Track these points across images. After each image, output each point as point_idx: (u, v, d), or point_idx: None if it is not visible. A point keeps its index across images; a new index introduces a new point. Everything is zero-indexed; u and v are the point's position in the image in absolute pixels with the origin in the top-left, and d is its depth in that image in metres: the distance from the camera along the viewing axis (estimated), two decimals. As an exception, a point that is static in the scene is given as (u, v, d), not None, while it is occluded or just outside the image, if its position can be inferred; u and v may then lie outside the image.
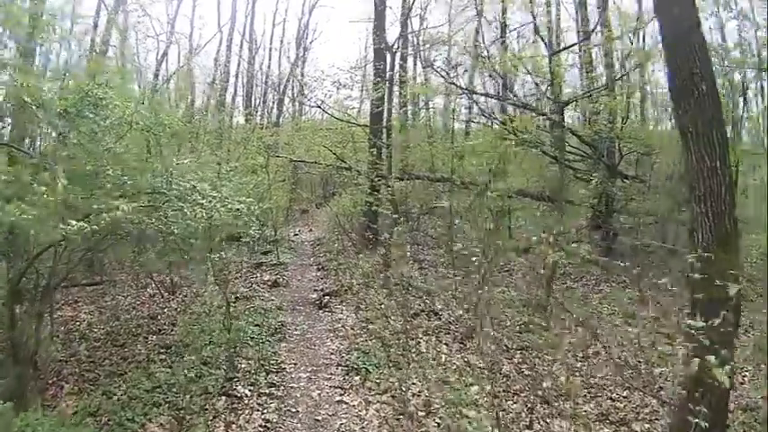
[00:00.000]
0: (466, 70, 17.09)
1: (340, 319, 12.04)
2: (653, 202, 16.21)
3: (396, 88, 19.22)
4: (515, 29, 21.02)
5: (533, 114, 18.17)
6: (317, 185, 32.02)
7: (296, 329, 11.41)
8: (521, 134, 16.73)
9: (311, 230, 25.33)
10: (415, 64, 24.31)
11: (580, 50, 16.44)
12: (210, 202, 9.10)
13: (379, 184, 17.67)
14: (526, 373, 9.17)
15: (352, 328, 11.31)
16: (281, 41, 36.80)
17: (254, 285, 14.94)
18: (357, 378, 8.84)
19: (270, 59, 36.28)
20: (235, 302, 13.22)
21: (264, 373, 8.97)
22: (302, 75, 34.49)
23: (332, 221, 22.35)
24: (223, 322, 9.89)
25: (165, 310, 13.37)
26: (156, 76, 29.11)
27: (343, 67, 19.61)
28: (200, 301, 13.97)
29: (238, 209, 9.41)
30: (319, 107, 20.47)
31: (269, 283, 14.98)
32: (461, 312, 12.49)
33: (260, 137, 20.73)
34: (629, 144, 16.72)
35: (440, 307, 12.79)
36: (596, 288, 14.92)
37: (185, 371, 9.23)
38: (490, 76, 17.70)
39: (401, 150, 23.05)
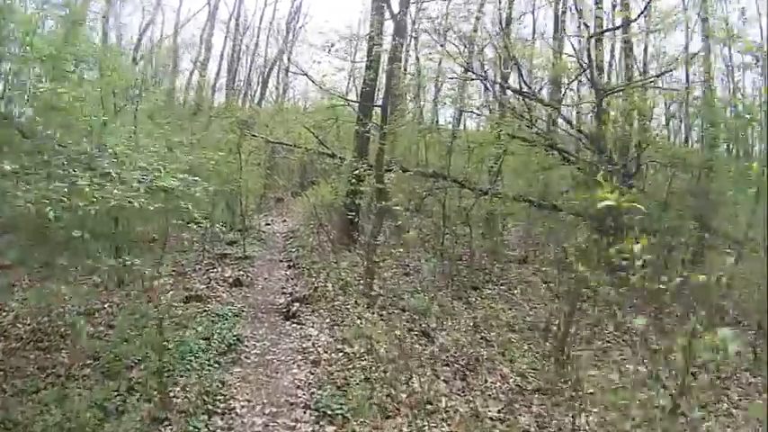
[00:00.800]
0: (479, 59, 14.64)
1: (311, 335, 9.65)
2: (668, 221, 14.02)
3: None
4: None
5: (549, 107, 15.91)
6: (294, 172, 29.47)
7: (255, 347, 9.01)
8: (531, 129, 14.50)
9: (285, 221, 22.84)
10: (416, 48, 21.82)
11: (624, 32, 14.16)
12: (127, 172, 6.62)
13: (364, 175, 15.30)
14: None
15: (326, 351, 8.93)
16: (271, 23, 34.05)
17: (212, 282, 12.47)
18: (331, 430, 6.44)
19: (257, 39, 33.48)
20: (185, 304, 10.75)
21: (206, 415, 6.53)
22: (289, 60, 32.03)
23: (308, 213, 19.92)
24: (154, 336, 7.43)
25: (106, 306, 10.85)
26: (137, 47, 26.42)
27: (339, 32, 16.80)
28: (149, 297, 11.49)
29: (168, 187, 6.94)
30: (305, 75, 17.98)
31: (230, 280, 12.51)
32: (459, 336, 10.20)
33: (233, 112, 18.08)
34: (655, 154, 14.53)
35: (433, 326, 10.45)
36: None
37: (104, 400, 6.81)
38: (503, 62, 15.27)
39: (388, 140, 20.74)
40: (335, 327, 10.12)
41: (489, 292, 13.57)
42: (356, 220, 17.35)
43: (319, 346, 9.13)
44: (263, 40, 33.24)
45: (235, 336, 9.07)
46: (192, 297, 11.02)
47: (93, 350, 8.58)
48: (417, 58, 23.44)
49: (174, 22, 29.79)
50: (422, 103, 22.63)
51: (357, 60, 18.73)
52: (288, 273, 14.01)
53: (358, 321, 10.48)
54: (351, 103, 17.19)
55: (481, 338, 10.35)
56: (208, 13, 28.88)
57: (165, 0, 33.84)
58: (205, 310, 10.30)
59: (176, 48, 28.33)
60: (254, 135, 17.50)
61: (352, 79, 20.76)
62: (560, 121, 16.67)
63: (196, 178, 7.97)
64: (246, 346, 8.99)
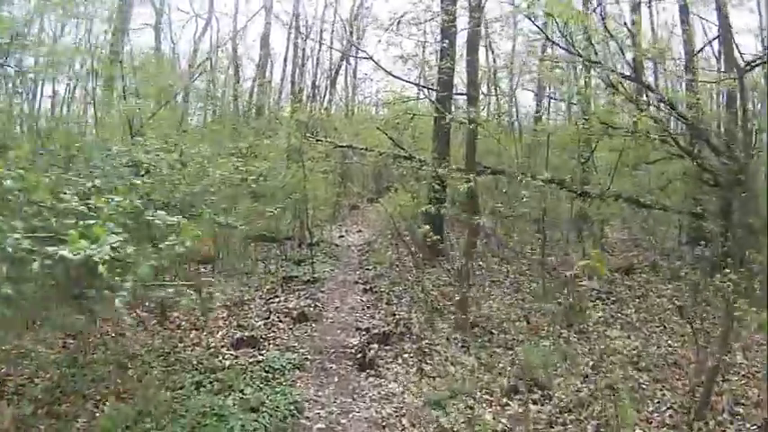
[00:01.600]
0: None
1: (393, 394, 7.19)
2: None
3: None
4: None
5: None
6: (369, 178, 27.14)
7: (318, 419, 6.56)
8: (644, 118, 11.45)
9: (360, 231, 20.50)
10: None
11: None
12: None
13: (447, 176, 12.72)
14: None
15: (414, 422, 6.39)
16: (334, 23, 31.73)
17: (272, 317, 10.20)
18: None
19: (320, 40, 31.16)
20: (235, 350, 8.51)
21: None
22: (356, 59, 29.76)
23: (385, 221, 17.51)
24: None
25: (143, 353, 8.72)
26: (194, 56, 24.82)
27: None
28: (194, 338, 9.36)
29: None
30: (371, 59, 15.52)
31: (294, 313, 10.19)
32: (578, 383, 7.51)
33: (295, 115, 15.82)
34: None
35: (543, 375, 7.76)
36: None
37: None
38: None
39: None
40: (424, 379, 7.59)
41: (600, 314, 10.65)
42: (440, 229, 14.81)
43: (404, 414, 6.62)
44: (327, 41, 31.05)
45: (292, 403, 6.67)
46: (244, 340, 8.76)
47: (111, 421, 6.42)
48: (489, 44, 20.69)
49: (232, 28, 28.03)
50: (502, 91, 19.79)
51: (428, 41, 16.13)
52: (363, 299, 11.57)
53: (452, 370, 7.92)
54: (427, 89, 14.46)
55: (605, 386, 7.55)
56: (265, 16, 26.80)
57: (219, 6, 32.27)
58: (258, 361, 7.97)
59: (235, 55, 26.51)
60: (318, 140, 15.19)
61: (422, 77, 18.11)
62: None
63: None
64: (307, 417, 6.58)
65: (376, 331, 9.18)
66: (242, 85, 23.90)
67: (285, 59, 29.25)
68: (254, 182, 9.78)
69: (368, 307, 10.95)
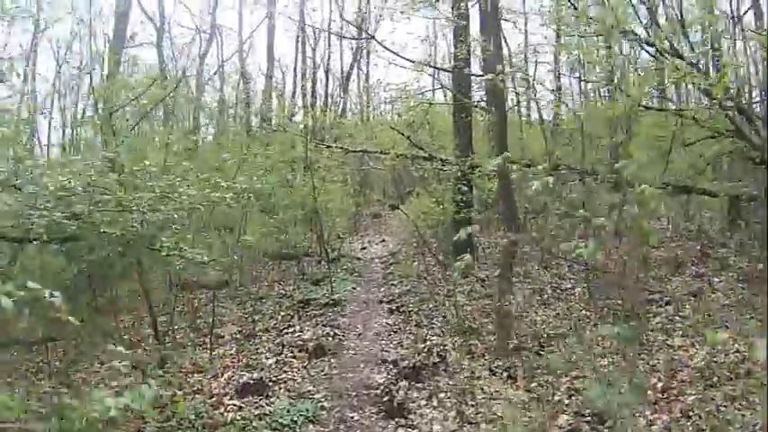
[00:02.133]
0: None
1: (429, 450, 5.71)
2: None
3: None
4: None
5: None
6: (388, 184, 25.75)
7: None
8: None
9: (383, 241, 19.08)
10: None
11: None
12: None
13: (470, 176, 11.30)
14: None
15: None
16: (342, 26, 30.28)
17: (285, 351, 8.81)
18: None
19: (329, 48, 29.71)
20: (240, 398, 7.16)
21: None
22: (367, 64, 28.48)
23: (409, 229, 16.12)
24: None
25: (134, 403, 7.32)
26: (200, 73, 23.70)
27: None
28: (196, 384, 8.01)
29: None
30: (379, 43, 14.06)
31: (309, 346, 8.77)
32: (649, 413, 6.01)
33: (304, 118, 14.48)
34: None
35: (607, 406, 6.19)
36: None
37: None
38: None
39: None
40: (466, 427, 6.13)
41: (658, 321, 9.04)
42: (469, 234, 13.39)
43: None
44: (337, 49, 29.70)
45: (302, 476, 5.26)
46: (251, 385, 7.38)
47: None
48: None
49: (238, 42, 26.80)
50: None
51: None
52: (389, 321, 10.13)
53: (498, 410, 6.44)
54: (440, 71, 12.91)
55: (681, 414, 6.03)
56: (267, 23, 25.45)
57: (222, 21, 31.07)
58: (265, 414, 6.58)
59: (243, 68, 25.28)
60: (328, 146, 13.81)
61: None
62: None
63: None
64: (322, 493, 5.17)
65: (405, 363, 7.72)
66: (251, 97, 22.64)
67: (295, 69, 28.02)
68: (236, 200, 8.28)
69: (394, 331, 9.49)
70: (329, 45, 28.42)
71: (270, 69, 23.73)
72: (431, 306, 10.51)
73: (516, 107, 20.52)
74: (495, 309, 8.91)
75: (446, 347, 8.27)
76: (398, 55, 13.04)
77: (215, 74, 23.22)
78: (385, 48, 13.25)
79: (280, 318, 10.98)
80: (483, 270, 12.81)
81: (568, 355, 7.98)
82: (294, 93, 27.69)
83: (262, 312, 11.53)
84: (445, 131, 14.93)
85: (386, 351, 8.58)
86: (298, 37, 27.58)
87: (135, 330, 10.41)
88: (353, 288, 12.59)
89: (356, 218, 20.46)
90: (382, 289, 12.45)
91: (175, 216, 6.11)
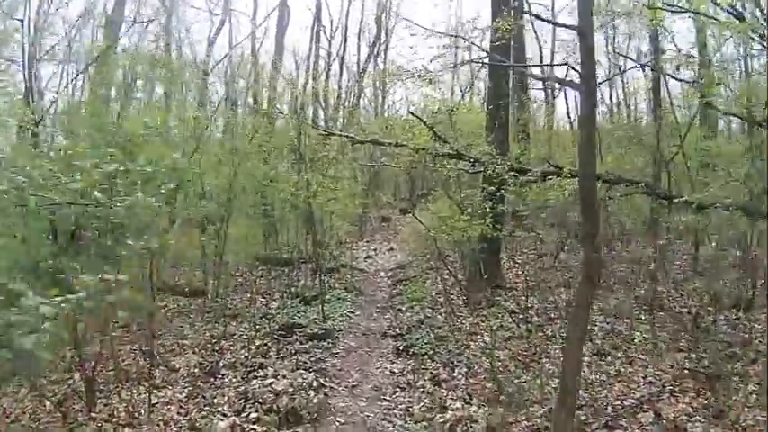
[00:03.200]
0: None
1: None
2: None
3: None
4: None
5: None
6: (401, 185, 23.11)
7: None
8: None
9: (392, 249, 16.44)
10: None
11: None
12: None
13: (508, 180, 8.67)
14: None
15: None
16: (361, 23, 27.61)
17: (247, 406, 6.23)
18: None
19: (345, 42, 27.06)
20: None
21: None
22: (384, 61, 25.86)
23: (422, 238, 13.50)
24: None
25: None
26: (209, 56, 21.08)
27: None
28: None
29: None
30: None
31: (281, 404, 6.14)
32: None
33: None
34: None
35: None
36: None
37: None
38: None
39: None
40: None
41: (750, 388, 6.35)
42: (497, 251, 10.73)
43: None
44: (354, 44, 27.07)
45: None
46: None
47: None
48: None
49: (251, 29, 24.17)
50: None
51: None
52: (395, 368, 7.47)
53: None
54: (477, 48, 10.07)
55: None
56: (278, 17, 22.72)
57: (237, 5, 28.41)
58: None
59: (255, 58, 22.61)
60: (331, 133, 11.18)
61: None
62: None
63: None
64: None
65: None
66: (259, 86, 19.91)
67: (308, 66, 25.37)
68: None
69: (401, 387, 6.82)
70: (345, 38, 25.93)
71: (278, 58, 21.02)
72: (451, 348, 7.84)
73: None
74: (534, 352, 6.26)
75: (476, 422, 5.63)
76: (428, 29, 10.35)
77: (225, 57, 20.66)
78: (413, 23, 10.55)
79: (253, 348, 8.40)
80: (512, 295, 10.20)
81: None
82: (306, 85, 25.01)
83: (234, 337, 8.97)
84: (472, 132, 12.20)
85: (388, 421, 5.95)
86: (313, 27, 25.08)
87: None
88: (352, 312, 9.96)
89: (362, 221, 17.83)
90: (387, 315, 9.80)
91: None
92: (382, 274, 13.38)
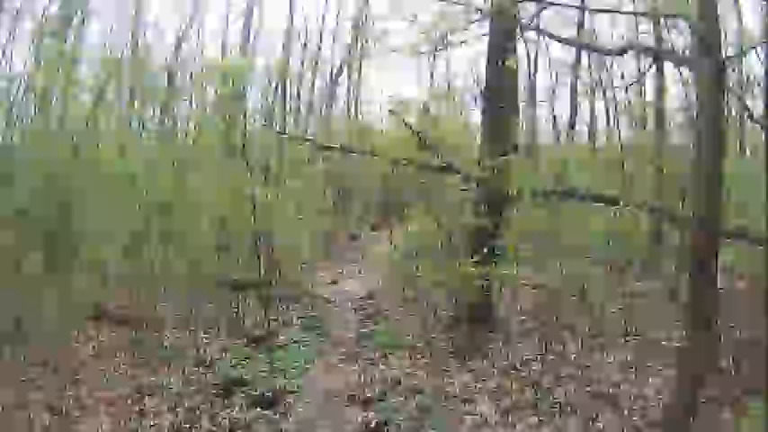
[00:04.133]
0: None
1: None
2: None
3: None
4: None
5: None
6: (372, 197, 21.00)
7: None
8: None
9: (360, 272, 14.47)
10: None
11: None
12: None
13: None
14: None
15: None
16: (336, 28, 25.70)
17: None
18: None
19: (320, 49, 25.04)
20: None
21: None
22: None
23: (395, 264, 11.63)
24: None
25: None
26: (177, 53, 18.73)
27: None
28: None
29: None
30: None
31: None
32: None
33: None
34: None
35: None
36: None
37: None
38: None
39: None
40: None
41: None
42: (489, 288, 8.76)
43: None
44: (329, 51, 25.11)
45: None
46: None
47: None
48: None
49: (222, 26, 21.93)
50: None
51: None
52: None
53: None
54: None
55: None
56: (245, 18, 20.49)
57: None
58: None
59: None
60: (286, 135, 9.23)
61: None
62: None
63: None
64: None
65: None
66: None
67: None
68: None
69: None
70: (320, 45, 23.93)
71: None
72: (437, 425, 5.90)
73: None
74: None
75: None
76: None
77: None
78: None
79: (178, 414, 6.32)
80: (504, 344, 8.35)
81: None
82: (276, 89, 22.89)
83: (162, 391, 6.90)
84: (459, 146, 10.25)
85: None
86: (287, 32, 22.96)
87: None
88: (310, 362, 7.92)
89: (327, 240, 15.85)
90: (354, 368, 7.75)
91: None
92: (349, 304, 11.40)
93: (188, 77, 15.51)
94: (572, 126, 14.08)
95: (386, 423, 5.93)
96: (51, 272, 8.44)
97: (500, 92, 9.09)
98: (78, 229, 8.94)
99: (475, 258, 7.63)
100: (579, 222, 8.42)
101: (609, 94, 14.07)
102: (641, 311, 8.82)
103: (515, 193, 6.64)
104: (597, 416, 5.99)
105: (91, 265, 9.16)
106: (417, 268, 9.24)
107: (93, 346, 8.48)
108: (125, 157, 10.35)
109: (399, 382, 6.90)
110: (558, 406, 6.24)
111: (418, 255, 9.48)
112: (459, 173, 7.40)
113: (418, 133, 7.44)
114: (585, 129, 15.65)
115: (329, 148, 9.14)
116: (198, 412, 6.36)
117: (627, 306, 8.74)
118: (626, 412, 6.08)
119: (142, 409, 6.42)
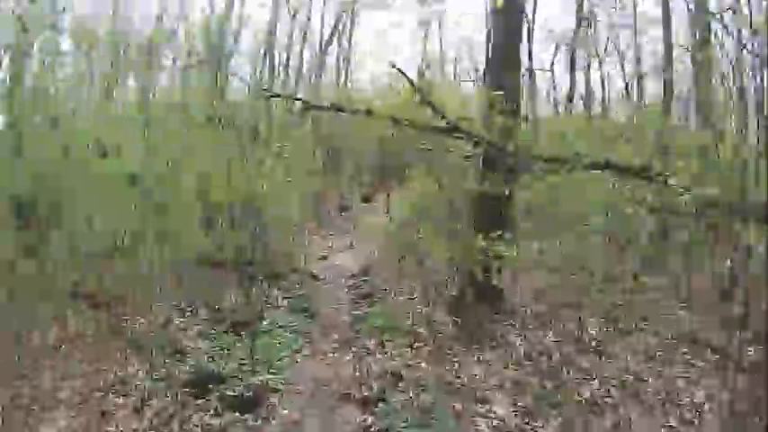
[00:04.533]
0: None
1: None
2: None
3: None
4: None
5: None
6: (363, 167, 19.81)
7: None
8: None
9: (352, 246, 13.51)
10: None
11: None
12: None
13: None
14: None
15: None
16: None
17: None
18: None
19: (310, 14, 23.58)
20: None
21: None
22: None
23: (391, 237, 10.64)
24: None
25: None
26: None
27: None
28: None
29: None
30: None
31: None
32: None
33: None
34: None
35: None
36: None
37: None
38: None
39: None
40: None
41: None
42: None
43: None
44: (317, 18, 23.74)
45: None
46: None
47: None
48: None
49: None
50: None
51: None
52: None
53: None
54: None
55: None
56: None
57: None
58: None
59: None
60: (277, 95, 8.17)
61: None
62: None
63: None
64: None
65: None
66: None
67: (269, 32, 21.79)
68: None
69: None
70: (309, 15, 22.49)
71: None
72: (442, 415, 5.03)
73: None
74: None
75: None
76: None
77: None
78: None
79: (148, 417, 5.41)
80: (515, 328, 7.48)
81: None
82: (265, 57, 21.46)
83: (128, 389, 5.96)
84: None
85: None
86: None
87: None
88: (297, 352, 7.00)
89: (317, 210, 14.83)
90: (348, 358, 6.85)
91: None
92: (341, 282, 10.48)
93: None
94: (570, 99, 14.19)
95: (386, 416, 5.06)
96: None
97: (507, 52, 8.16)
98: (53, 200, 7.91)
99: (479, 233, 6.73)
100: (577, 193, 7.52)
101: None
102: (645, 307, 7.96)
103: (529, 156, 5.67)
104: (630, 419, 5.15)
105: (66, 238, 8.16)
106: (418, 232, 8.31)
107: (58, 333, 7.50)
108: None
109: (401, 377, 5.99)
110: (583, 403, 5.40)
111: (419, 218, 8.55)
112: (468, 133, 6.40)
113: (420, 90, 6.42)
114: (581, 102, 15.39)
115: (320, 107, 8.08)
116: (168, 417, 5.45)
117: (627, 302, 7.83)
118: (656, 412, 5.26)
119: (104, 412, 5.51)
